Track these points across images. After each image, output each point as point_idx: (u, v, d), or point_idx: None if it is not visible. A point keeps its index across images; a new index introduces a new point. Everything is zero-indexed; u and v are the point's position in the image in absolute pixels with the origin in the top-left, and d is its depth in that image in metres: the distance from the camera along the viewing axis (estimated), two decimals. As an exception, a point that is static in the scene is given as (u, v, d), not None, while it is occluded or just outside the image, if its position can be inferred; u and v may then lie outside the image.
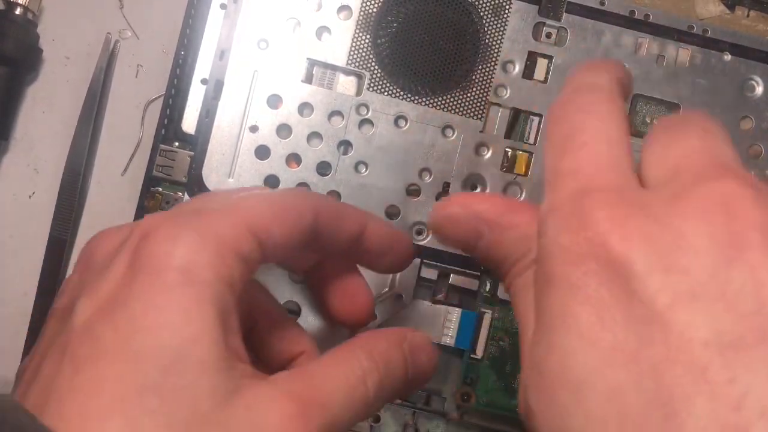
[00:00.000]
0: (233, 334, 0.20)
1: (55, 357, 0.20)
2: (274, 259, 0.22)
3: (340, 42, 0.35)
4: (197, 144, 0.34)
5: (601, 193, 0.18)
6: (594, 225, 0.17)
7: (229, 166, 0.34)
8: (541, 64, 0.35)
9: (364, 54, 0.35)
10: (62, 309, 0.22)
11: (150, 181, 0.35)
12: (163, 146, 0.35)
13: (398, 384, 0.24)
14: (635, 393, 0.16)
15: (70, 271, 0.37)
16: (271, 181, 0.34)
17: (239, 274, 0.20)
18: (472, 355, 0.35)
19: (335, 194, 0.34)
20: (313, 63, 0.35)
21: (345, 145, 0.35)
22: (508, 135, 0.35)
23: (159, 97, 0.37)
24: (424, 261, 0.35)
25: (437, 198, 0.35)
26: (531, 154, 0.35)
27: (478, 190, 0.35)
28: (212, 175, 0.34)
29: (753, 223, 0.16)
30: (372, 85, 0.35)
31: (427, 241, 0.34)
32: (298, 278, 0.33)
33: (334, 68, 0.35)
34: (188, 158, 0.35)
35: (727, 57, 0.36)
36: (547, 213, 0.19)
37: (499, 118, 0.35)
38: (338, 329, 0.30)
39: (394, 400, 0.27)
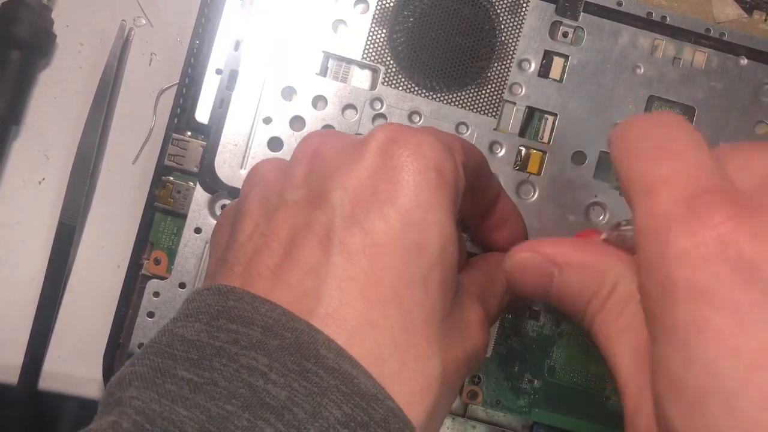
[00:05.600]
0: None
1: (315, 245, 0.20)
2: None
3: (356, 35, 0.35)
4: (210, 134, 0.34)
5: (716, 193, 0.17)
6: (719, 224, 0.16)
7: (242, 157, 0.34)
8: (557, 63, 0.35)
9: (379, 48, 0.35)
10: (303, 200, 0.22)
11: (161, 170, 0.34)
12: (175, 135, 0.34)
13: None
14: None
15: (78, 258, 0.37)
16: (283, 173, 0.34)
17: (462, 181, 0.23)
18: (480, 354, 0.35)
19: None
20: (328, 56, 0.35)
21: (358, 139, 0.34)
22: (522, 133, 0.35)
23: (172, 85, 0.37)
24: (435, 258, 0.34)
25: (449, 195, 0.34)
26: (544, 153, 0.35)
27: (491, 188, 0.35)
28: (224, 165, 0.34)
29: None
30: (387, 79, 0.35)
31: (438, 237, 0.34)
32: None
33: (349, 62, 0.35)
34: (200, 148, 0.34)
35: (744, 61, 0.36)
36: (655, 220, 0.18)
37: (513, 116, 0.35)
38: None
39: None
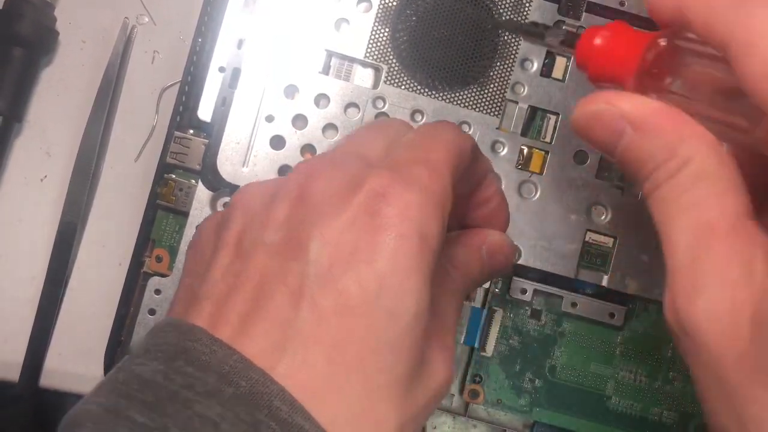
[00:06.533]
0: None
1: (285, 298, 0.20)
2: None
3: (358, 34, 0.35)
4: (212, 132, 0.34)
5: None
6: None
7: (244, 155, 0.34)
8: (560, 62, 0.35)
9: (382, 47, 0.35)
10: (280, 244, 0.21)
11: (163, 168, 0.34)
12: (177, 133, 0.34)
13: (476, 283, 0.26)
14: None
15: (79, 255, 0.37)
16: (286, 171, 0.34)
17: (444, 236, 0.21)
18: (481, 353, 0.35)
19: (349, 187, 0.34)
20: (330, 54, 0.35)
21: (360, 137, 0.34)
22: (525, 133, 0.35)
23: (175, 83, 0.37)
24: (437, 256, 0.35)
25: (451, 194, 0.34)
26: (547, 152, 0.35)
27: (493, 187, 0.35)
28: (227, 163, 0.34)
29: None
30: (389, 78, 0.35)
31: (440, 236, 0.34)
32: None
33: (351, 60, 0.35)
34: (203, 146, 0.34)
35: (746, 61, 0.36)
36: None
37: (515, 115, 0.35)
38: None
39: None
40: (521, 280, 0.35)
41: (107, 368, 0.34)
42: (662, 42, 0.21)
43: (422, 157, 0.22)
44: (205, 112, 0.34)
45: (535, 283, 0.35)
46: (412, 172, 0.21)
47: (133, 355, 0.20)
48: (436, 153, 0.23)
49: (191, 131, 0.35)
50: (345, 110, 0.35)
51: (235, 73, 0.34)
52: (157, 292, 0.34)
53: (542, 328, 0.35)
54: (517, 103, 0.35)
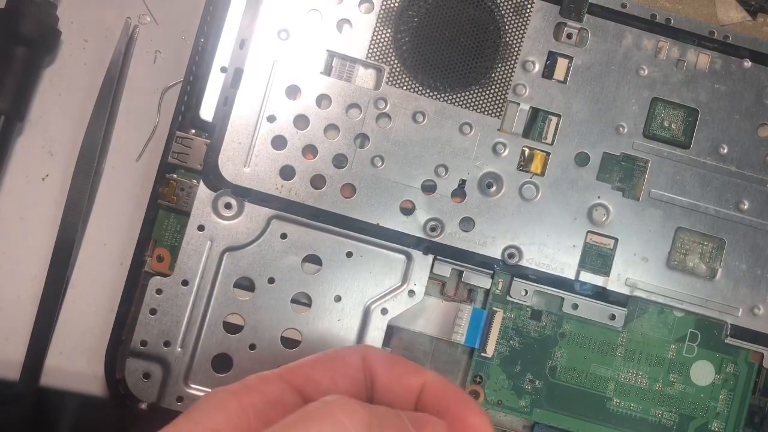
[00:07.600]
0: None
1: None
2: None
3: (360, 35, 0.35)
4: (214, 132, 0.34)
5: None
6: None
7: (245, 155, 0.34)
8: (561, 64, 0.35)
9: (384, 48, 0.35)
10: None
11: (165, 168, 0.35)
12: (179, 133, 0.34)
13: None
14: None
15: (80, 254, 0.37)
16: (287, 171, 0.34)
17: None
18: (482, 354, 0.35)
19: (350, 187, 0.34)
20: (332, 55, 0.35)
21: (362, 138, 0.35)
22: (526, 134, 0.35)
23: (177, 83, 0.37)
24: (438, 257, 0.35)
25: (452, 195, 0.35)
26: (548, 153, 0.35)
27: (494, 188, 0.35)
28: (228, 163, 0.34)
29: None
30: (391, 79, 0.35)
31: (441, 237, 0.34)
32: None
33: (353, 61, 0.35)
34: (204, 146, 0.34)
35: (747, 64, 0.36)
36: None
37: (517, 116, 0.35)
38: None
39: None
40: (522, 281, 0.35)
41: (108, 367, 0.34)
42: None
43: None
44: (206, 112, 0.34)
45: (535, 285, 0.35)
46: None
47: None
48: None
49: (193, 131, 0.35)
50: (347, 111, 0.35)
51: (237, 73, 0.34)
52: (158, 291, 0.34)
53: (543, 329, 0.35)
54: (518, 104, 0.35)
